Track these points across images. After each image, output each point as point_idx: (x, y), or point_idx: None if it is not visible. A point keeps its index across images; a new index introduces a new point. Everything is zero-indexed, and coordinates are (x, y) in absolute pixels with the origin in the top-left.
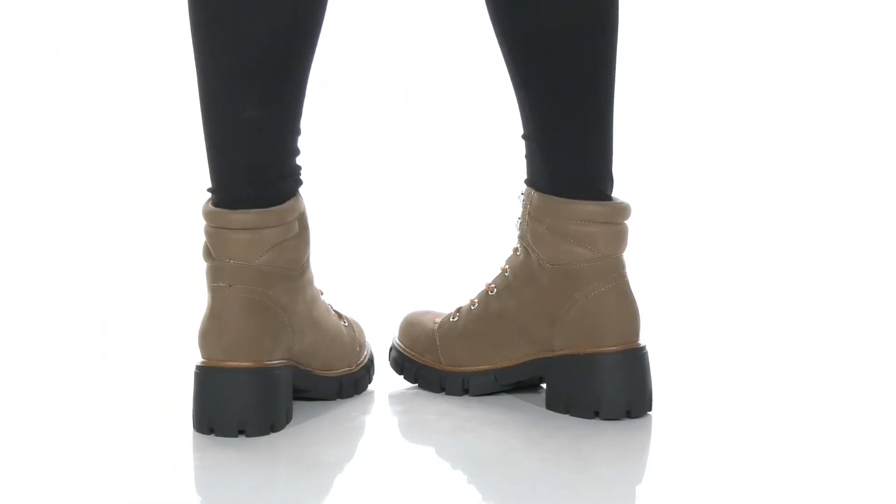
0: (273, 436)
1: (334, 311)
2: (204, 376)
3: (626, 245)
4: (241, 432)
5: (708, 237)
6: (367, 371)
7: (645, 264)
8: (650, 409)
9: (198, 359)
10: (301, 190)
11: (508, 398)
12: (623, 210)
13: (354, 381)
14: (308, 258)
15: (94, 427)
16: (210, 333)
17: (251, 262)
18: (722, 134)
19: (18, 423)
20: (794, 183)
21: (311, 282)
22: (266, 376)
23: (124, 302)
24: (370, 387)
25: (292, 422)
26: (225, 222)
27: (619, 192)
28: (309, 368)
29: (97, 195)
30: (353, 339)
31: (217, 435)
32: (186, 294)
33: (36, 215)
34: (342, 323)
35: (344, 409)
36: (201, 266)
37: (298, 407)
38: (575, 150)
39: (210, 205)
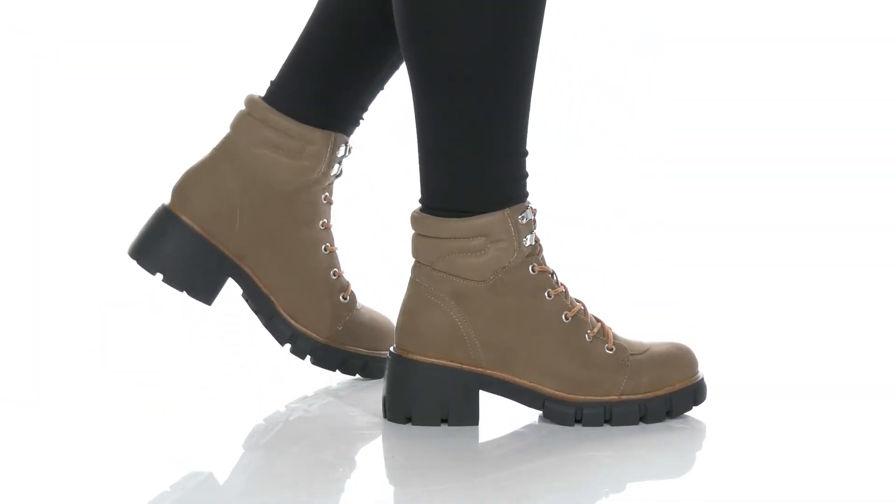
0: (273, 436)
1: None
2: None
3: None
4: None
5: (708, 237)
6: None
7: (645, 264)
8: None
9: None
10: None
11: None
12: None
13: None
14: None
15: (94, 427)
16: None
17: None
18: (722, 134)
19: (18, 423)
20: (794, 183)
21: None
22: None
23: (124, 302)
24: (369, 387)
25: (292, 421)
26: None
27: (621, 191)
28: (269, 296)
29: (97, 195)
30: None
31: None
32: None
33: (36, 215)
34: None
35: (344, 409)
36: None
37: (298, 407)
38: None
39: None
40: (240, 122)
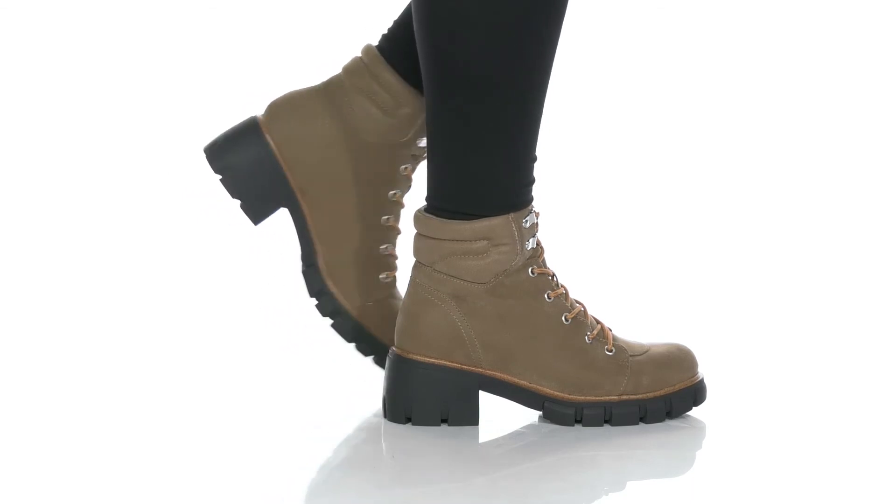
0: (273, 436)
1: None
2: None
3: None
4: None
5: (708, 237)
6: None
7: (645, 264)
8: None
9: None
10: None
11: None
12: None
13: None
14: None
15: (94, 427)
16: None
17: None
18: (722, 134)
19: (18, 423)
20: (794, 183)
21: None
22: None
23: (124, 302)
24: (369, 387)
25: (292, 422)
26: None
27: (621, 191)
28: (315, 243)
29: (97, 195)
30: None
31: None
32: (185, 294)
33: (36, 215)
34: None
35: (343, 409)
36: (206, 266)
37: (299, 408)
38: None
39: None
40: (351, 65)
